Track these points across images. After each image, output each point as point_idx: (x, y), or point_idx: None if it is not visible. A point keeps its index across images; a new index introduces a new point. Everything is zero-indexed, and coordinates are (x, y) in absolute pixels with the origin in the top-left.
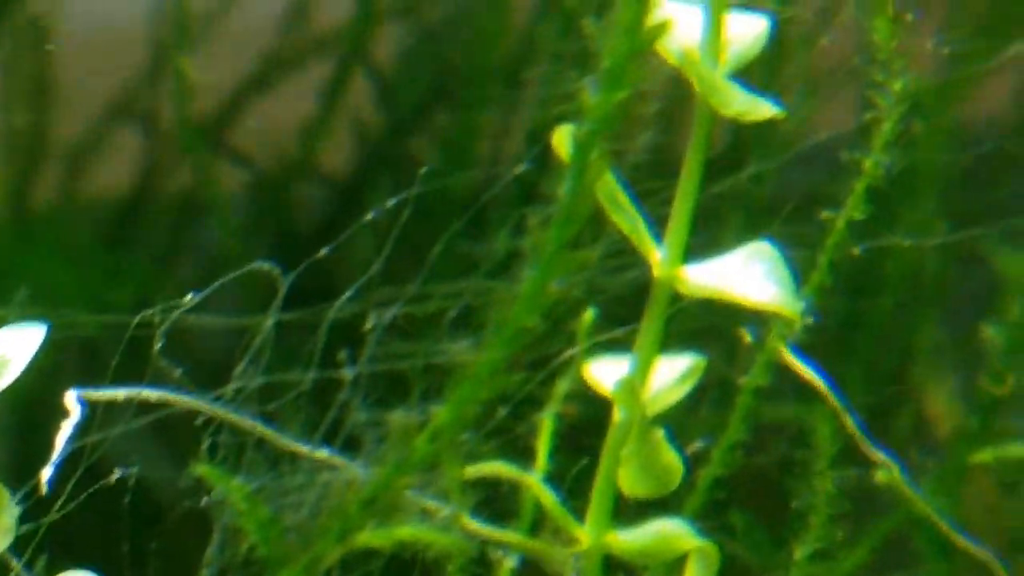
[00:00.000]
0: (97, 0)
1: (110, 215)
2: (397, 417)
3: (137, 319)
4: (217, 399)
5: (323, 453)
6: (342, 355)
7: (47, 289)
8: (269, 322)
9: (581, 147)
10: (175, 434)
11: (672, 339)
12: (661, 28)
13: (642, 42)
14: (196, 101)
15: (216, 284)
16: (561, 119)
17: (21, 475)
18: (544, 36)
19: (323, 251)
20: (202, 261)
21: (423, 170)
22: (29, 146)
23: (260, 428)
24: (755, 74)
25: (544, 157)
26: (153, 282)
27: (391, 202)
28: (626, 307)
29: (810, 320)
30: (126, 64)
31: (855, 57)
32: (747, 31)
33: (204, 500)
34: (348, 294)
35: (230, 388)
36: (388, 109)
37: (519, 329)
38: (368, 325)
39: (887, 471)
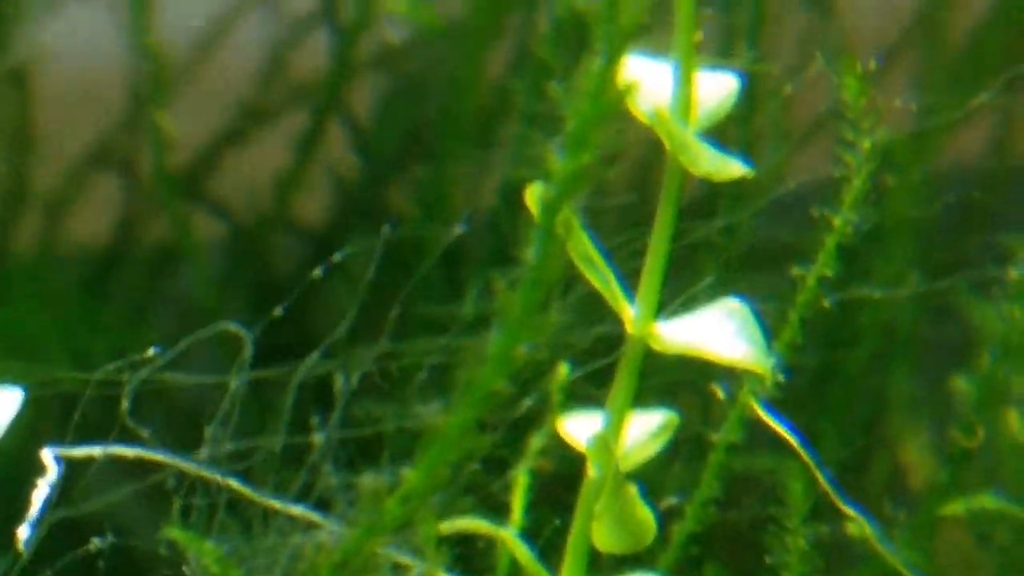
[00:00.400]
0: (74, 48)
1: (88, 264)
2: (368, 480)
3: (104, 376)
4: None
5: (296, 510)
6: (313, 418)
7: (25, 338)
8: (237, 382)
9: (548, 209)
10: (153, 492)
11: (644, 393)
12: (626, 91)
13: (607, 106)
14: (173, 151)
15: (183, 344)
16: (533, 174)
17: None
18: (518, 90)
19: (279, 309)
20: (179, 311)
21: (393, 223)
22: (7, 194)
23: (234, 486)
24: (726, 125)
25: (518, 210)
26: (131, 331)
27: (354, 250)
28: (596, 360)
29: (781, 376)
30: (104, 112)
31: (824, 107)
32: (717, 89)
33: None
34: (316, 353)
35: (203, 453)
36: (364, 160)
37: (488, 391)
38: (337, 386)
39: (859, 525)
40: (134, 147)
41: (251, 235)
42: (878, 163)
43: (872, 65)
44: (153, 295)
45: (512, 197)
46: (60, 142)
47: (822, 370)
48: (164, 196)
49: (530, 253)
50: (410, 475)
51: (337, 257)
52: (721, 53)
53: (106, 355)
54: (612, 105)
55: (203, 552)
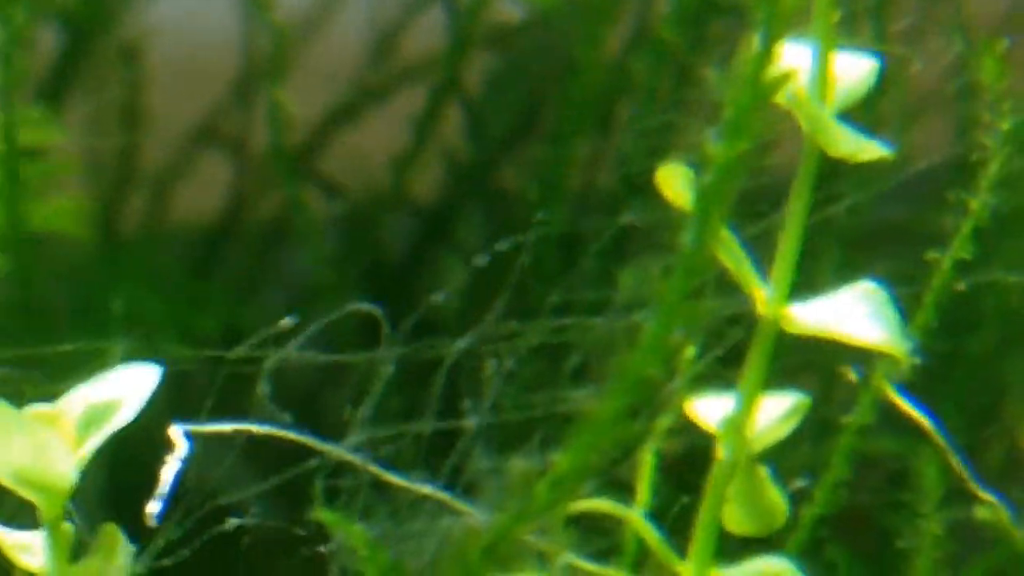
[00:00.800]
0: (185, 25)
1: (197, 242)
2: (517, 465)
3: (241, 354)
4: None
5: (444, 495)
6: (463, 403)
7: (135, 317)
8: (385, 362)
9: (704, 198)
10: (279, 473)
11: (770, 374)
12: (784, 79)
13: (765, 92)
14: (286, 128)
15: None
16: (655, 155)
17: (121, 512)
18: (637, 69)
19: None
20: (291, 290)
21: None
22: (117, 172)
23: (379, 471)
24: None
25: (636, 191)
26: (241, 311)
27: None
28: (723, 340)
29: (916, 359)
30: (214, 90)
31: (948, 84)
32: (854, 70)
33: (321, 547)
34: (465, 339)
35: (355, 439)
36: (478, 139)
37: (641, 378)
38: (487, 372)
39: (990, 509)
40: (244, 125)
41: (364, 213)
42: (1016, 146)
43: (1005, 45)
44: (264, 274)
45: (630, 177)
46: (170, 120)
47: (944, 353)
48: (279, 174)
49: (685, 239)
50: (560, 460)
51: (481, 261)
52: (845, 32)
53: (216, 334)
54: (770, 92)
55: (351, 534)
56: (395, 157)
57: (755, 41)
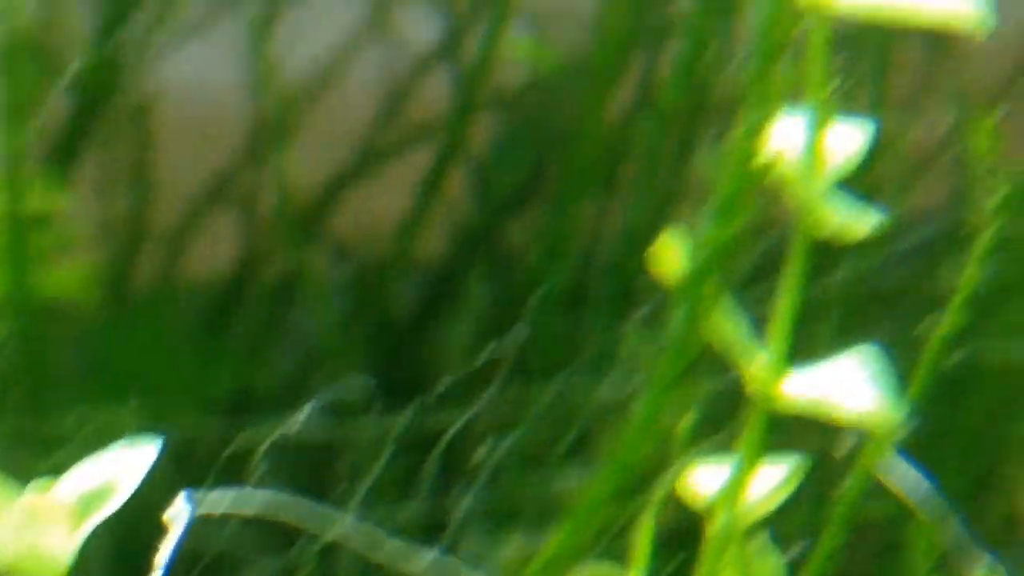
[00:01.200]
0: (195, 85)
1: (207, 301)
2: (510, 545)
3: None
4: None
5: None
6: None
7: (145, 380)
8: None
9: (695, 279)
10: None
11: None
12: (774, 162)
13: (755, 176)
14: (294, 190)
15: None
16: (657, 219)
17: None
18: (639, 133)
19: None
20: (300, 351)
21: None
22: (127, 234)
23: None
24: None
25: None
26: (251, 372)
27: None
28: (721, 408)
29: (910, 426)
30: (224, 149)
31: (950, 155)
32: (847, 142)
33: None
34: (458, 424)
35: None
36: (484, 199)
37: (632, 460)
38: (477, 458)
39: (988, 572)
40: (255, 184)
41: (371, 275)
42: (1013, 213)
43: (998, 113)
44: (273, 333)
45: (633, 240)
46: (180, 179)
47: (941, 417)
48: (285, 236)
49: (674, 321)
50: (552, 541)
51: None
52: (844, 98)
53: (226, 395)
54: (760, 175)
55: None
56: (402, 217)
57: (746, 122)
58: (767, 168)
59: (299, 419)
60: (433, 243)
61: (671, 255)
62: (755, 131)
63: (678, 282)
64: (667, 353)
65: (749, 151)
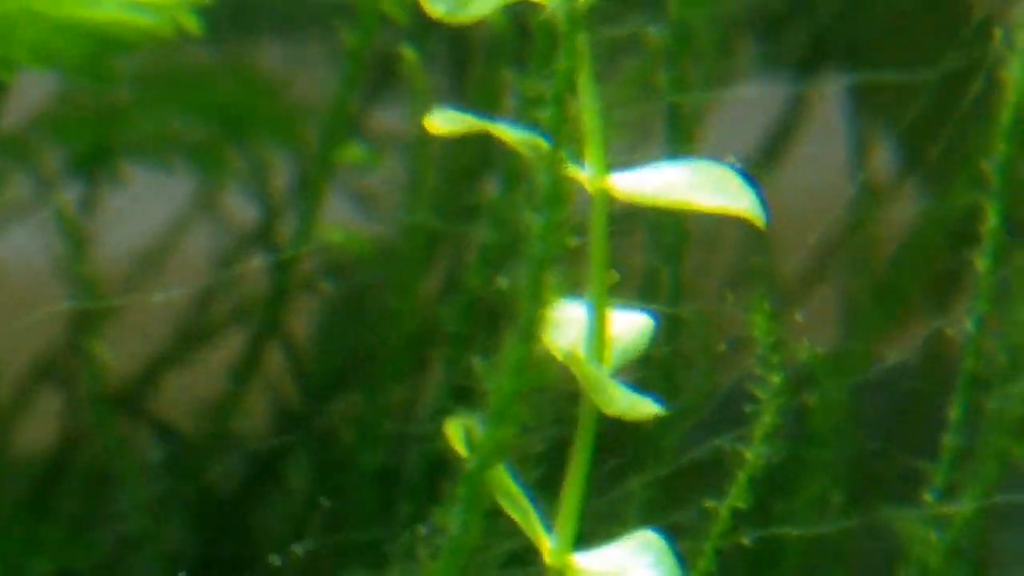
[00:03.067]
0: (19, 262)
1: (30, 481)
2: None
3: None
4: None
5: None
6: None
7: None
8: None
9: (470, 480)
10: None
11: None
12: (547, 365)
13: (527, 381)
14: (111, 373)
15: None
16: (461, 402)
17: None
18: (447, 317)
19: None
20: (120, 529)
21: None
22: None
23: None
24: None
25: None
26: (73, 552)
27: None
28: None
29: None
30: (51, 327)
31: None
32: (632, 328)
33: None
34: None
35: None
36: (302, 381)
37: None
38: None
39: None
40: (77, 363)
41: (192, 454)
42: (788, 397)
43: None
44: (95, 513)
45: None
46: (4, 357)
47: None
48: (99, 419)
49: (451, 523)
50: None
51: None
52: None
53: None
54: (532, 381)
55: None
56: (221, 399)
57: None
58: (540, 373)
59: None
60: (256, 424)
61: (458, 435)
62: (528, 332)
63: (462, 473)
64: (444, 551)
65: (520, 357)
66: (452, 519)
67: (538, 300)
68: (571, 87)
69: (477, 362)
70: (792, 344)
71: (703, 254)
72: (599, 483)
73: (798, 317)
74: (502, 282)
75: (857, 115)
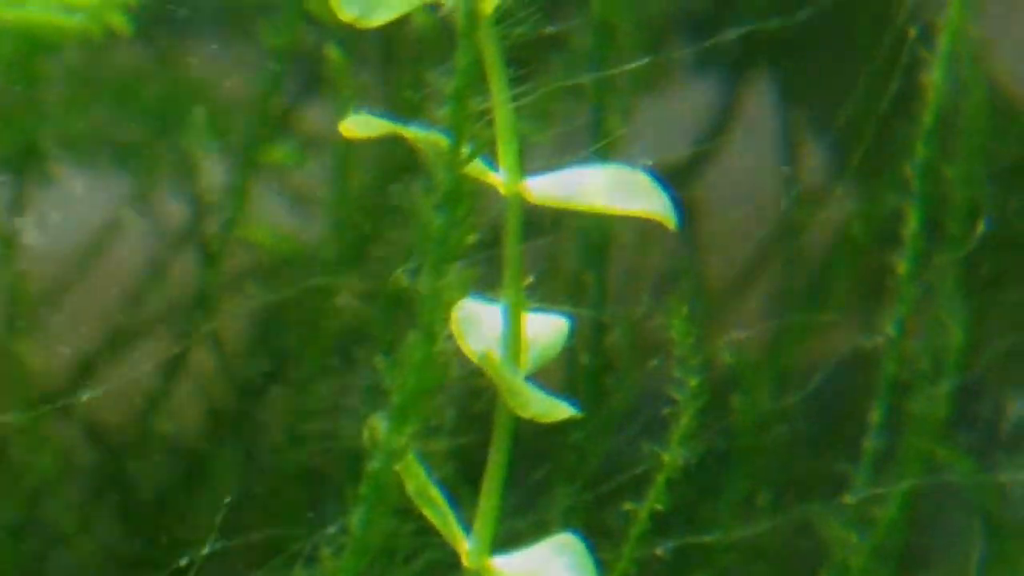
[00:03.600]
0: None
1: None
2: None
3: None
4: None
5: None
6: None
7: None
8: None
9: (374, 480)
10: None
11: None
12: (445, 366)
13: (430, 380)
14: (40, 368)
15: None
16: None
17: None
18: (371, 320)
19: None
20: (48, 530)
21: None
22: None
23: None
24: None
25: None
26: (5, 555)
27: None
28: None
29: None
30: None
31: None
32: (548, 330)
33: None
34: None
35: None
36: (231, 381)
37: None
38: None
39: None
40: (7, 364)
41: (122, 453)
42: (707, 398)
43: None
44: (22, 513)
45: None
46: None
47: None
48: (26, 423)
49: (355, 522)
50: None
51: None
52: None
53: None
54: (435, 380)
55: None
56: (150, 397)
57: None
58: (442, 372)
59: None
60: (186, 423)
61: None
62: (430, 330)
63: (368, 478)
64: (348, 550)
65: (423, 355)
66: (355, 518)
67: (439, 298)
68: (474, 86)
69: (380, 360)
70: (719, 346)
71: (633, 257)
72: (528, 492)
73: (728, 318)
74: (404, 279)
75: (787, 116)
